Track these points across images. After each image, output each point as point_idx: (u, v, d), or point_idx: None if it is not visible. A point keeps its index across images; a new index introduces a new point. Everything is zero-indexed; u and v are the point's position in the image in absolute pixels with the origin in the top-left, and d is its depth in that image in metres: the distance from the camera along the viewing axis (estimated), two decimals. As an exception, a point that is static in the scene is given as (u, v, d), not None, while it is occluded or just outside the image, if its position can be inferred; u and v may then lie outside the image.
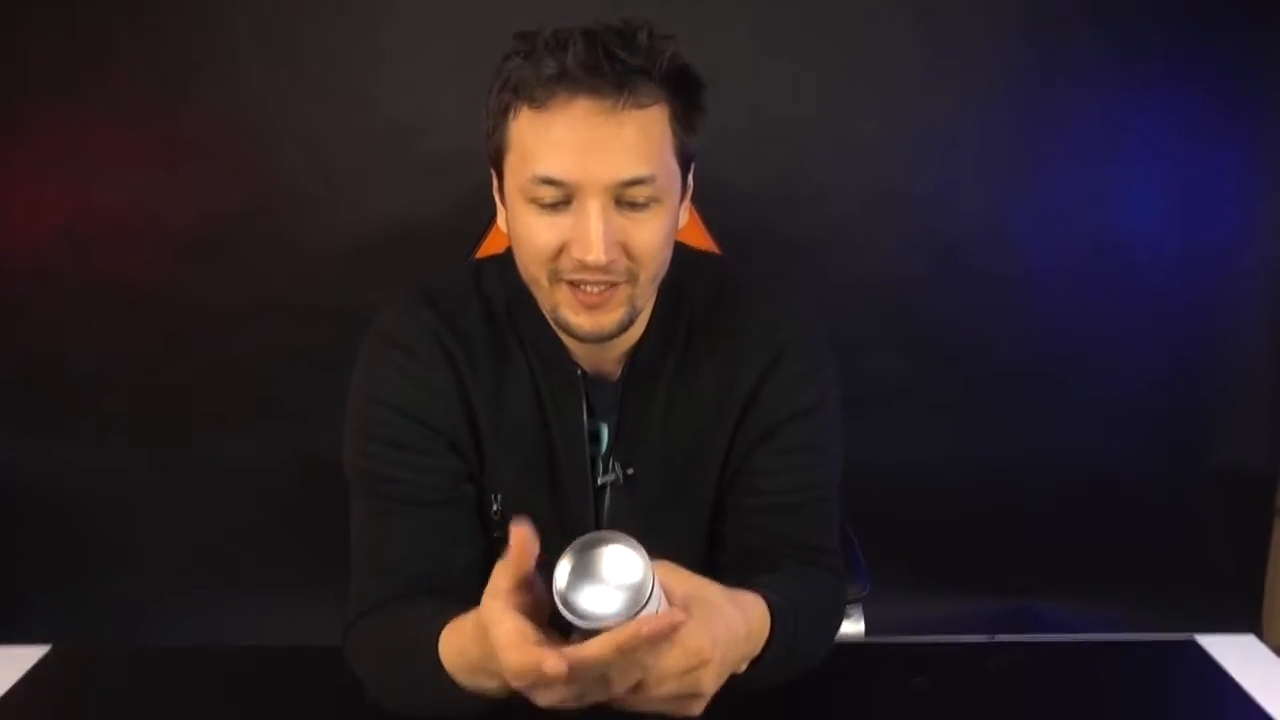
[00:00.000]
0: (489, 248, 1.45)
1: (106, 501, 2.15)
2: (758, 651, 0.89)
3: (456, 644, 0.84)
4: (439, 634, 0.85)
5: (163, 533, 2.16)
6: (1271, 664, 1.16)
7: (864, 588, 1.36)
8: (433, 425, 1.03)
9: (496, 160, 0.97)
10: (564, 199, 0.91)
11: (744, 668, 0.88)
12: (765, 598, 0.91)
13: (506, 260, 1.04)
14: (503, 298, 1.07)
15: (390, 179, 2.02)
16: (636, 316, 0.99)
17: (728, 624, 0.83)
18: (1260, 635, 1.21)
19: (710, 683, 0.78)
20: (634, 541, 0.72)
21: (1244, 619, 2.22)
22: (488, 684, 0.81)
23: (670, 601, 0.77)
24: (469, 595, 0.82)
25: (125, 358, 2.09)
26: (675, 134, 0.94)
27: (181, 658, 1.18)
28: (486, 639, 0.74)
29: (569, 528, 1.08)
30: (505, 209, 0.99)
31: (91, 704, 1.08)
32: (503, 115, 0.93)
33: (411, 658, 0.89)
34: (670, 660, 0.75)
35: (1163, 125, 2.06)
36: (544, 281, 0.96)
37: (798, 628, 0.93)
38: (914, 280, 2.11)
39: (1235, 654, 1.15)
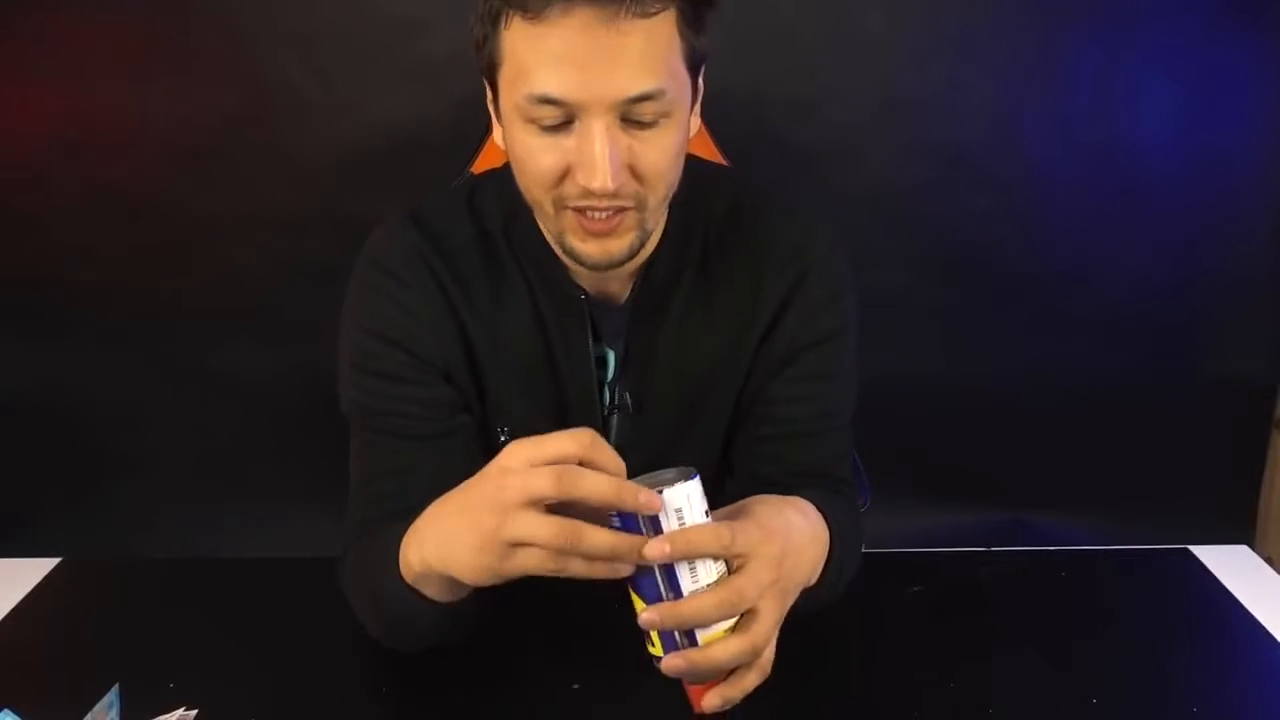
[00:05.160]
0: (487, 156, 1.42)
1: (111, 414, 2.15)
2: (824, 559, 0.89)
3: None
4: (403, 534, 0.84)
5: (168, 444, 2.17)
6: (1264, 574, 1.18)
7: (865, 502, 1.37)
8: (423, 356, 1.00)
9: (489, 73, 0.90)
10: (565, 119, 0.84)
11: (814, 579, 0.88)
12: (818, 507, 0.91)
13: (505, 177, 0.99)
14: (499, 217, 1.02)
15: (387, 83, 1.97)
16: (647, 240, 0.94)
17: (786, 518, 0.84)
18: (1253, 546, 1.23)
19: (775, 582, 0.76)
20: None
21: (1240, 532, 2.24)
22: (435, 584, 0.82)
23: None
24: None
25: (124, 269, 2.07)
26: (684, 38, 0.86)
27: (189, 568, 1.20)
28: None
29: None
30: (501, 126, 0.93)
31: (102, 613, 1.09)
32: (493, 24, 0.86)
33: (378, 565, 0.88)
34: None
35: (1173, 30, 2.01)
36: (549, 208, 0.91)
37: (844, 543, 0.93)
38: (917, 187, 2.07)
39: (1229, 564, 1.17)
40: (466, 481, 0.78)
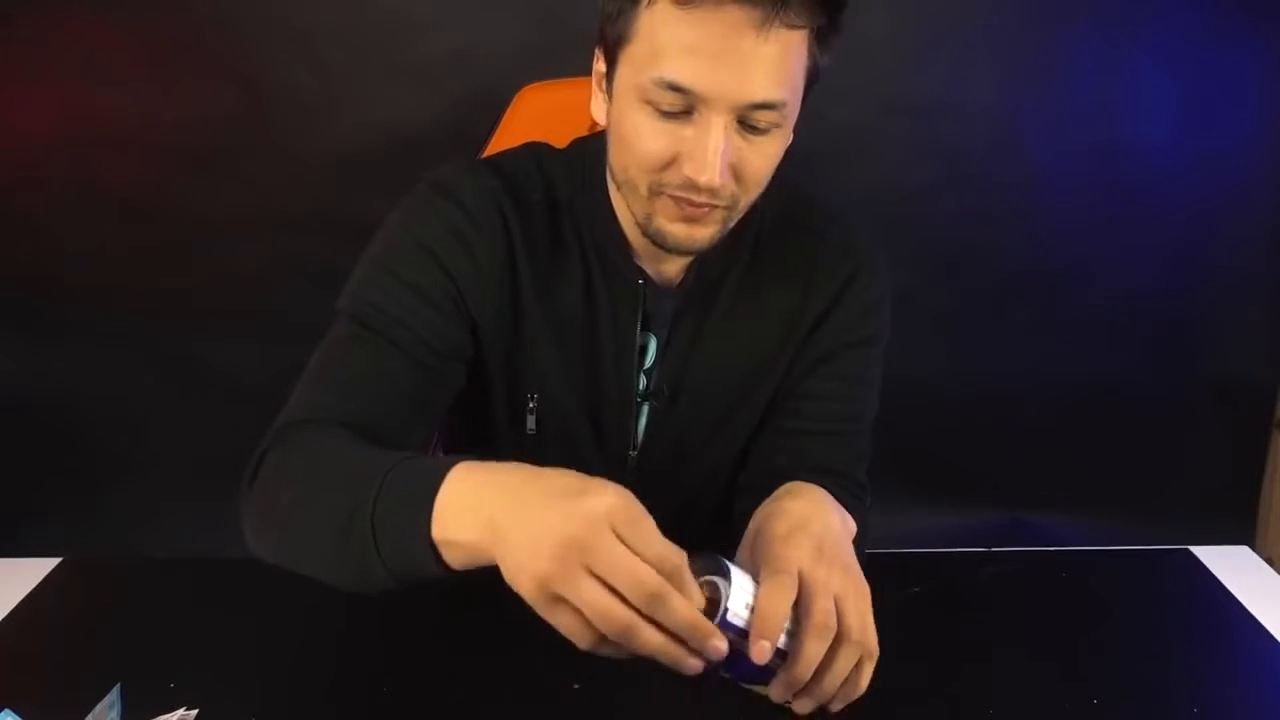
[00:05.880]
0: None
1: (110, 414, 2.16)
2: (841, 509, 0.87)
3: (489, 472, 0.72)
4: (452, 463, 0.73)
5: (168, 444, 2.18)
6: (1264, 574, 1.18)
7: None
8: (460, 287, 0.97)
9: (613, 46, 0.89)
10: (685, 109, 0.85)
11: (853, 527, 0.87)
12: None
13: (574, 151, 1.01)
14: (567, 188, 1.02)
15: (387, 83, 1.97)
16: (724, 234, 0.94)
17: (795, 517, 0.82)
18: (1254, 547, 1.23)
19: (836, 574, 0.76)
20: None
21: (1240, 532, 2.24)
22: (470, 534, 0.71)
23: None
24: None
25: (124, 269, 2.07)
26: (812, 56, 0.88)
27: (189, 568, 1.19)
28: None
29: (604, 439, 1.06)
30: (608, 100, 0.92)
31: (102, 613, 1.09)
32: (634, 0, 0.86)
33: (397, 471, 0.77)
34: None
35: (1173, 30, 2.01)
36: (642, 190, 0.90)
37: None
38: (917, 188, 2.08)
39: (1229, 564, 1.17)
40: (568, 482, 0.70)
